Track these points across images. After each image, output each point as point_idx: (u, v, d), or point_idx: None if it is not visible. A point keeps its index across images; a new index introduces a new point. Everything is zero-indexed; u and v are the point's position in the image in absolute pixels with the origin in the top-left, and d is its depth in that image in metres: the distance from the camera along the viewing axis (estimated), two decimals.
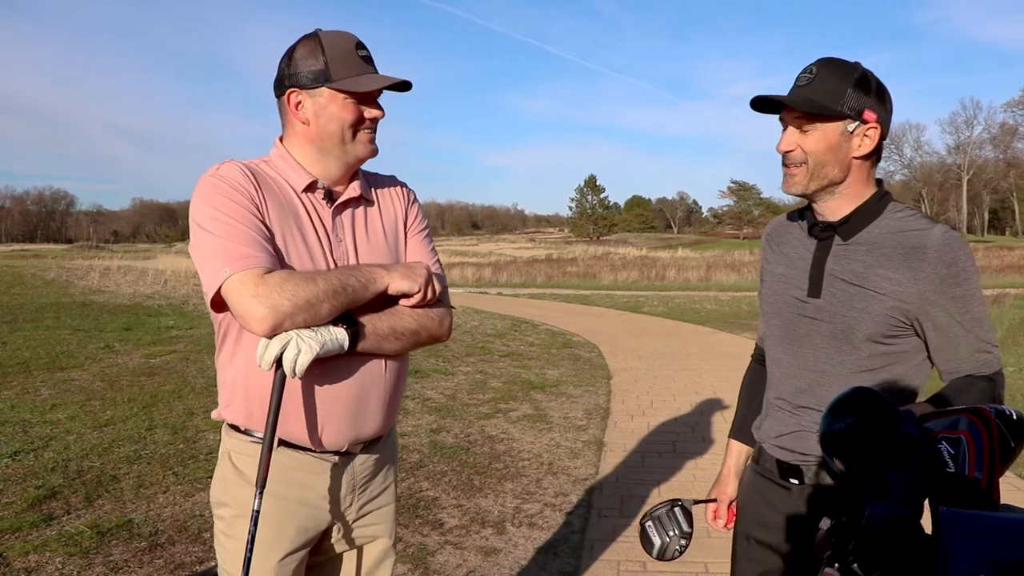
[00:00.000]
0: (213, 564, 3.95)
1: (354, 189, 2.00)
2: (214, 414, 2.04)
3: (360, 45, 1.93)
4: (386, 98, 1.98)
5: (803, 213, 1.99)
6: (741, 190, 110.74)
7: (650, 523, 2.28)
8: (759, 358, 2.24)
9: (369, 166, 2.06)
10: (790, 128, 1.83)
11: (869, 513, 1.23)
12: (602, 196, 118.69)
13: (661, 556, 2.26)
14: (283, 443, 1.91)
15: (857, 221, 1.85)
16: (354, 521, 2.07)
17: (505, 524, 4.72)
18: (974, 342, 1.79)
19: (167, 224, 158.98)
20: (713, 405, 8.05)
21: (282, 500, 1.93)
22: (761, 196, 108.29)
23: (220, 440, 2.06)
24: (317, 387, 1.88)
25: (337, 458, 1.98)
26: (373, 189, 2.08)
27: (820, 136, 1.79)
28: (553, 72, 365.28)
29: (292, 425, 1.89)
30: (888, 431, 1.31)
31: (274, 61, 1.95)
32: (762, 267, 2.14)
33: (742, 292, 25.63)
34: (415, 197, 2.18)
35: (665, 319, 17.47)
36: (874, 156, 1.84)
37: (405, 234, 2.10)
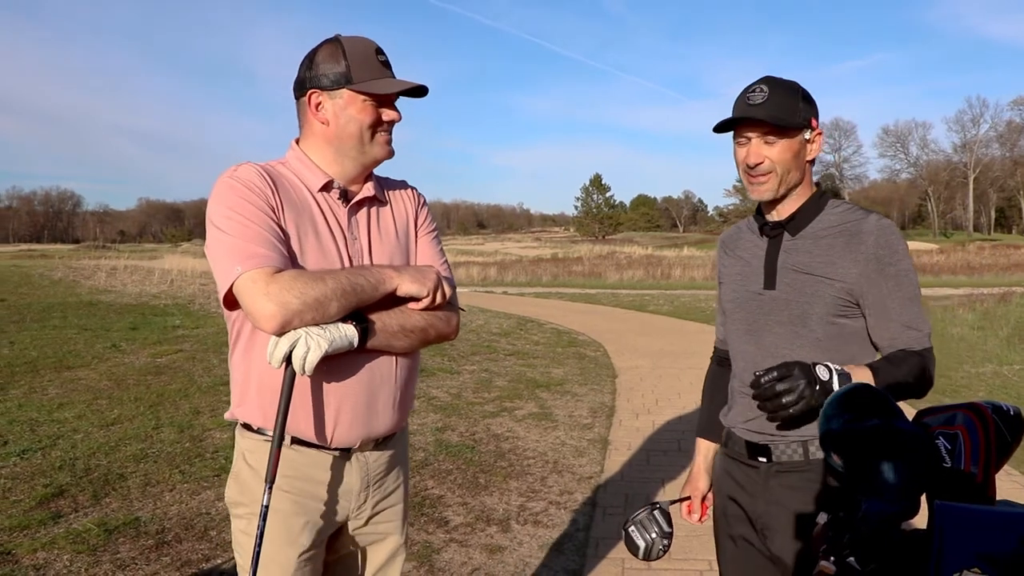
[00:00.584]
0: (220, 561, 3.97)
1: (369, 189, 2.05)
2: (227, 414, 2.06)
3: (379, 51, 1.98)
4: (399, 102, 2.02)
5: (751, 219, 2.19)
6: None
7: (632, 528, 2.37)
8: (718, 360, 2.43)
9: (382, 169, 2.11)
10: (755, 141, 2.00)
11: (866, 508, 1.24)
12: (608, 195, 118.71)
13: (647, 556, 2.35)
14: (296, 440, 1.93)
15: (802, 218, 2.05)
16: (368, 519, 2.10)
17: (510, 522, 4.74)
18: (906, 318, 1.96)
19: (173, 224, 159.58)
20: None
21: (297, 497, 1.95)
22: None
23: (226, 439, 2.08)
24: (328, 384, 1.91)
25: (351, 455, 2.01)
26: (385, 191, 2.12)
27: (786, 146, 1.97)
28: (559, 72, 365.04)
29: (304, 422, 1.91)
30: (885, 427, 1.32)
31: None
32: (719, 272, 2.31)
33: None
34: (425, 200, 2.23)
35: (671, 318, 17.46)
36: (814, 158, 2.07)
37: (416, 234, 2.15)
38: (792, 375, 1.73)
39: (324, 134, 1.97)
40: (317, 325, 1.77)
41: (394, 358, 2.00)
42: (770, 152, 1.98)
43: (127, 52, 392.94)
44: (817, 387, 1.74)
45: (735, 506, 2.18)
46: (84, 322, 11.67)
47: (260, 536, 1.81)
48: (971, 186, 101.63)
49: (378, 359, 1.96)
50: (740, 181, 2.10)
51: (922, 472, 1.29)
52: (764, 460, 2.07)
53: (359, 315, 1.84)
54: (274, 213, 1.86)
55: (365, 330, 1.84)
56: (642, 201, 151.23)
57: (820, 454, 1.96)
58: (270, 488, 1.82)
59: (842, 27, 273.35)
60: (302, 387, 1.88)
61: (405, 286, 1.91)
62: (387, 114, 1.98)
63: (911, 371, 1.91)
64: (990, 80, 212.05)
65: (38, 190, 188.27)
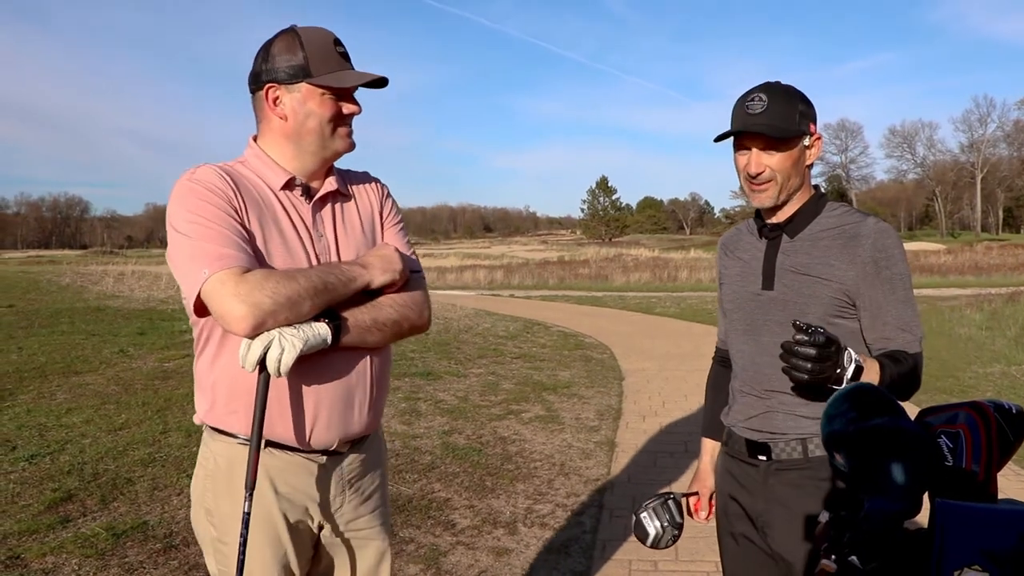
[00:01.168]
0: None
1: (331, 184, 2.00)
2: (196, 419, 2.01)
3: (337, 41, 1.94)
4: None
5: (751, 221, 2.22)
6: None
7: (644, 514, 2.38)
8: (720, 360, 2.47)
9: (343, 161, 2.06)
10: (755, 151, 2.02)
11: (868, 507, 1.24)
12: (614, 198, 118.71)
13: (655, 545, 2.37)
14: (271, 444, 1.89)
15: (801, 220, 2.07)
16: (348, 523, 2.05)
17: (517, 524, 4.74)
18: (900, 321, 1.97)
19: None
20: None
21: (273, 503, 1.91)
22: None
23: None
24: (303, 386, 1.87)
25: (325, 459, 1.97)
26: (348, 184, 2.08)
27: (786, 155, 2.00)
28: (563, 74, 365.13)
29: (279, 426, 1.87)
30: (888, 426, 1.32)
31: None
32: (720, 274, 2.34)
33: None
34: (389, 191, 2.19)
35: (677, 320, 17.45)
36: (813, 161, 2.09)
37: (382, 227, 2.11)
38: (828, 351, 1.71)
39: (283, 129, 1.92)
40: (290, 325, 1.73)
41: (368, 356, 1.96)
42: (771, 161, 2.01)
43: (136, 58, 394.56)
44: (838, 371, 1.74)
45: (735, 504, 2.20)
46: (92, 327, 11.70)
47: (243, 544, 1.78)
48: (979, 186, 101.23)
49: (352, 357, 1.92)
50: (754, 185, 2.10)
51: (924, 471, 1.29)
52: (764, 458, 2.09)
53: (331, 312, 1.81)
54: (237, 214, 1.81)
55: (338, 327, 1.81)
56: (648, 203, 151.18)
57: (819, 452, 1.97)
58: (250, 495, 1.79)
59: (847, 27, 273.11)
60: (276, 389, 1.83)
61: (378, 279, 1.89)
62: (347, 107, 1.94)
63: (908, 371, 1.93)
64: (997, 80, 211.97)
65: (46, 196, 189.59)
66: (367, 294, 1.90)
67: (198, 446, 2.08)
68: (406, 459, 5.96)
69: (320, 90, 1.89)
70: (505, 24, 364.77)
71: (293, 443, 1.90)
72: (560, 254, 71.86)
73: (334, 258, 1.95)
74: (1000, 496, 1.34)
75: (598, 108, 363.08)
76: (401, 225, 2.16)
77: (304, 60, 1.87)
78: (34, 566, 3.87)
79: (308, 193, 1.97)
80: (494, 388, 8.90)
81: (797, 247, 2.05)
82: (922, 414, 1.49)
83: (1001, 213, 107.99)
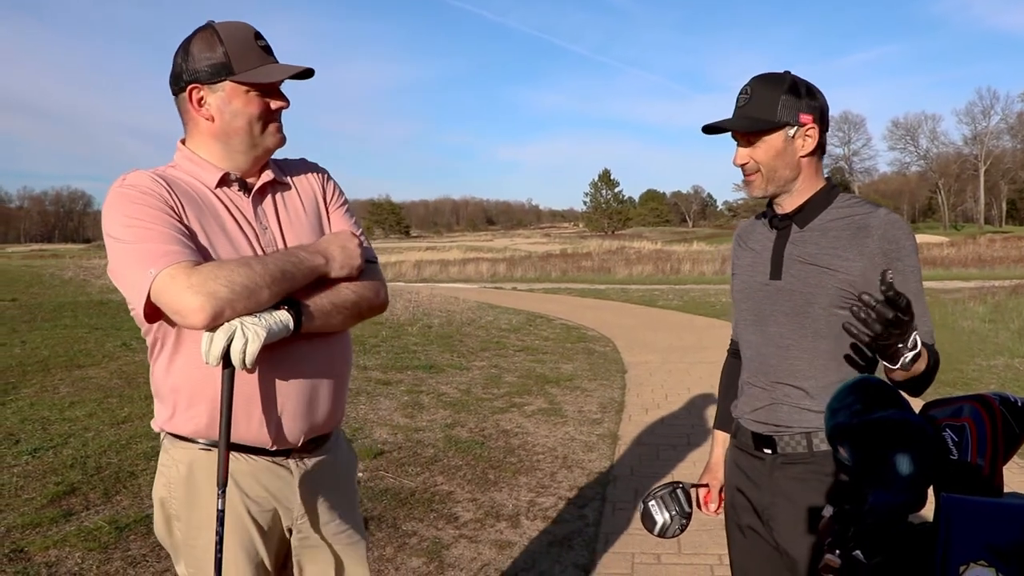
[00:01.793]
0: None
1: (267, 175, 1.96)
2: (154, 425, 1.96)
3: (258, 35, 1.88)
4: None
5: (765, 212, 2.20)
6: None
7: (653, 502, 2.39)
8: (734, 352, 2.43)
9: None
10: (740, 143, 2.04)
11: (872, 500, 1.24)
12: (616, 190, 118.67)
13: (663, 534, 2.38)
14: (235, 448, 1.83)
15: (810, 210, 2.05)
16: (320, 526, 2.01)
17: (520, 517, 4.74)
18: (915, 313, 1.89)
19: None
20: None
21: (240, 505, 1.88)
22: None
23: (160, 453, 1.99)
24: (265, 379, 1.83)
25: (291, 461, 1.94)
26: (286, 173, 2.04)
27: (767, 146, 2.00)
28: (566, 67, 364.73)
29: (243, 425, 1.82)
30: (892, 419, 1.31)
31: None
32: (733, 264, 2.33)
33: None
34: (329, 175, 2.13)
35: (680, 312, 17.44)
36: (818, 151, 2.05)
37: (327, 211, 2.06)
38: (904, 320, 1.61)
39: (210, 130, 1.87)
40: (250, 315, 1.67)
41: (331, 345, 1.93)
42: (754, 153, 2.01)
43: (138, 52, 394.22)
44: (899, 346, 1.66)
45: (742, 497, 2.20)
46: (95, 321, 11.72)
47: (220, 542, 1.75)
48: (982, 178, 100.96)
49: (315, 347, 1.88)
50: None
51: (929, 464, 1.28)
52: (769, 452, 2.09)
53: (290, 300, 1.76)
54: (175, 212, 1.76)
55: (299, 313, 1.76)
56: (651, 196, 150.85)
57: (824, 447, 1.96)
58: (223, 492, 1.74)
59: (850, 19, 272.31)
60: (237, 385, 1.77)
61: (336, 272, 1.86)
62: (275, 103, 1.88)
63: (935, 362, 1.89)
64: (1000, 71, 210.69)
65: (49, 190, 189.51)
66: (323, 279, 1.87)
67: None
68: (408, 452, 5.97)
69: (244, 87, 1.83)
70: (508, 17, 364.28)
71: (258, 443, 1.86)
72: (563, 247, 71.71)
73: (281, 248, 1.90)
74: (1006, 490, 1.33)
75: (601, 101, 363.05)
76: (347, 207, 2.11)
77: (225, 57, 1.81)
78: (37, 559, 3.87)
79: (245, 187, 1.92)
80: (497, 381, 8.90)
81: (806, 237, 2.03)
82: (926, 407, 1.48)
83: (1004, 205, 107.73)
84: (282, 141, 1.94)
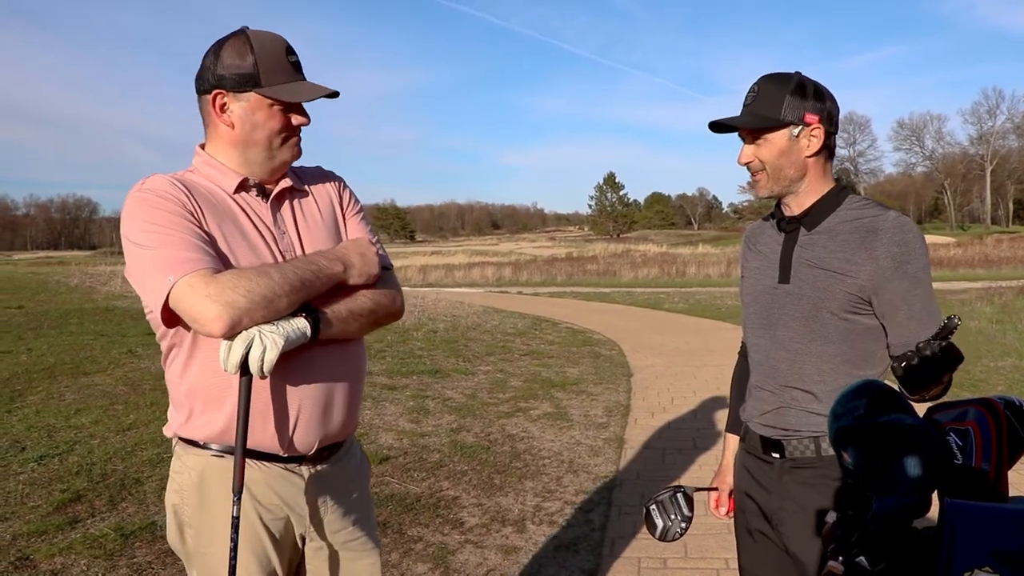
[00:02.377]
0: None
1: (285, 181, 1.96)
2: (167, 431, 1.96)
3: (290, 50, 1.88)
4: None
5: (773, 213, 2.19)
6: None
7: (654, 507, 2.41)
8: (744, 355, 2.39)
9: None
10: (746, 141, 2.04)
11: (876, 506, 1.23)
12: (621, 193, 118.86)
13: (663, 538, 2.40)
14: (249, 454, 1.82)
15: (818, 213, 2.03)
16: (332, 534, 2.00)
17: (525, 522, 4.72)
18: (923, 319, 1.92)
19: None
20: None
21: (253, 512, 1.87)
22: None
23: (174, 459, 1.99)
24: (281, 387, 1.83)
25: (304, 468, 1.93)
26: (303, 180, 2.04)
27: (771, 145, 2.00)
28: (570, 70, 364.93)
29: (258, 433, 1.82)
30: (896, 422, 1.30)
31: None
32: (742, 266, 2.31)
33: None
34: (345, 182, 2.14)
35: (686, 315, 17.42)
36: (826, 152, 2.04)
37: (343, 217, 2.06)
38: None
39: (230, 137, 1.87)
40: (268, 323, 1.68)
41: (346, 353, 1.93)
42: (759, 151, 2.01)
43: (143, 59, 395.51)
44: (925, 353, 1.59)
45: (751, 501, 2.19)
46: (101, 328, 11.73)
47: (234, 548, 1.75)
48: (988, 178, 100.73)
49: (331, 354, 1.88)
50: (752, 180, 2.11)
51: (933, 468, 1.27)
52: (777, 456, 2.07)
53: (307, 306, 1.76)
54: (194, 218, 1.75)
55: (317, 320, 1.76)
56: (656, 199, 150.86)
57: (832, 451, 1.94)
58: (238, 499, 1.75)
59: (855, 20, 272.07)
60: (254, 392, 1.77)
61: (354, 279, 1.86)
62: (296, 119, 1.89)
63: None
64: (1006, 71, 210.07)
65: (55, 197, 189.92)
66: (340, 285, 1.87)
67: None
68: (414, 457, 5.96)
69: (269, 101, 1.83)
70: (511, 21, 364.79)
71: (272, 449, 1.86)
72: (568, 250, 71.78)
73: (299, 254, 1.90)
74: (1011, 495, 1.32)
75: (605, 104, 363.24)
76: (362, 214, 2.12)
77: (254, 68, 1.81)
78: (43, 567, 3.87)
79: (264, 193, 1.92)
80: (502, 385, 8.89)
81: (814, 240, 2.01)
82: (930, 411, 1.47)
83: (1011, 205, 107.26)
84: (298, 155, 1.95)
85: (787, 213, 2.10)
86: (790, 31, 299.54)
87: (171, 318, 1.73)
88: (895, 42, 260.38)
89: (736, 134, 2.07)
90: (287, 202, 1.96)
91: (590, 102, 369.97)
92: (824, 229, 2.01)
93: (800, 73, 2.01)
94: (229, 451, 1.83)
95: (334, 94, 1.88)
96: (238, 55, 1.82)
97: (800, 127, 1.97)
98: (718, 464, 2.52)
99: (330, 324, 1.80)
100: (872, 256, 1.91)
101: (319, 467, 1.97)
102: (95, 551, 4.05)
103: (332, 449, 2.00)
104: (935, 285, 2.02)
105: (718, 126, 2.04)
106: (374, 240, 2.04)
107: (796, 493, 2.03)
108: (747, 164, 2.04)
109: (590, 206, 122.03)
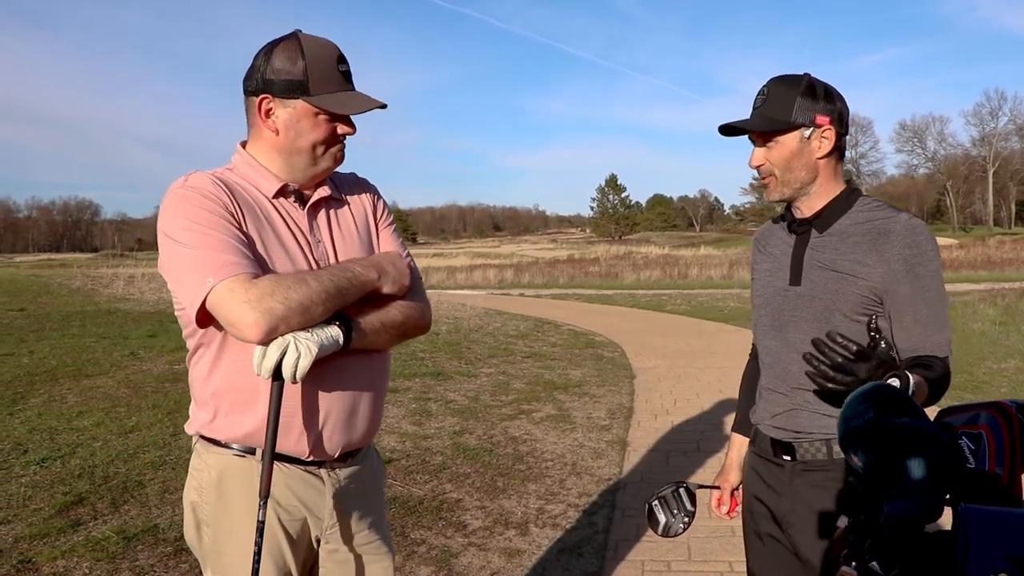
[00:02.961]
0: None
1: (324, 190, 1.96)
2: (188, 428, 1.96)
3: (341, 58, 1.87)
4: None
5: (784, 215, 2.18)
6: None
7: (656, 503, 2.43)
8: (755, 356, 2.39)
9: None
10: (756, 144, 2.04)
11: (888, 510, 1.21)
12: (623, 195, 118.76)
13: (665, 533, 2.42)
14: (275, 457, 1.82)
15: (830, 215, 2.03)
16: (348, 538, 2.01)
17: (529, 525, 4.71)
18: (931, 323, 1.92)
19: None
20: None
21: (271, 513, 1.87)
22: None
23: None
24: (309, 392, 1.83)
25: (323, 471, 1.93)
26: (340, 189, 2.04)
27: (782, 147, 1.99)
28: (572, 72, 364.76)
29: (283, 436, 1.82)
30: (908, 425, 1.29)
31: None
32: (752, 268, 2.31)
33: None
34: (380, 193, 2.15)
35: (688, 317, 17.41)
36: (837, 153, 2.04)
37: (376, 228, 2.07)
38: (856, 367, 1.69)
39: (273, 142, 1.86)
40: (303, 329, 1.69)
41: (373, 362, 1.94)
42: (769, 154, 2.01)
43: (145, 61, 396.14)
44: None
45: (760, 504, 2.18)
46: (102, 330, 11.75)
47: (258, 553, 1.75)
48: (990, 180, 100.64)
49: (358, 363, 1.89)
50: (756, 179, 2.09)
51: (946, 472, 1.26)
52: (788, 458, 2.06)
53: (341, 315, 1.77)
54: (234, 220, 1.76)
55: (350, 329, 1.77)
56: (658, 201, 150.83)
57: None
58: (264, 503, 1.75)
59: (856, 21, 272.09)
60: (283, 398, 1.78)
61: (387, 288, 1.87)
62: (342, 128, 1.88)
63: (938, 378, 1.87)
64: (1008, 72, 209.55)
65: (57, 200, 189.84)
66: (371, 295, 1.88)
67: None
68: (417, 460, 5.95)
69: (315, 110, 1.83)
70: (513, 23, 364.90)
71: (296, 453, 1.87)
72: (570, 252, 71.83)
73: (332, 263, 1.90)
74: None
75: (607, 106, 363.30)
76: (394, 227, 2.14)
77: (304, 75, 1.80)
78: (45, 570, 3.87)
79: (301, 199, 1.92)
80: (505, 388, 8.88)
81: (826, 242, 2.01)
82: (942, 414, 1.46)
83: (1013, 207, 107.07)
84: (340, 162, 1.94)
85: (798, 215, 2.09)
86: (791, 33, 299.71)
87: (205, 319, 1.73)
88: (897, 43, 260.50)
89: (745, 137, 2.06)
90: (323, 211, 1.96)
91: (591, 104, 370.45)
92: (836, 231, 2.00)
93: (810, 75, 2.01)
94: (250, 451, 1.85)
95: (383, 106, 1.88)
96: (289, 60, 1.81)
97: (811, 129, 1.97)
98: (722, 463, 2.51)
99: (363, 334, 1.81)
100: (884, 258, 1.90)
101: (337, 469, 1.97)
102: (97, 554, 4.05)
103: (352, 453, 2.01)
104: None
105: (728, 129, 2.04)
106: (404, 253, 2.06)
107: (807, 496, 2.02)
108: (758, 167, 2.04)
109: (592, 208, 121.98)
